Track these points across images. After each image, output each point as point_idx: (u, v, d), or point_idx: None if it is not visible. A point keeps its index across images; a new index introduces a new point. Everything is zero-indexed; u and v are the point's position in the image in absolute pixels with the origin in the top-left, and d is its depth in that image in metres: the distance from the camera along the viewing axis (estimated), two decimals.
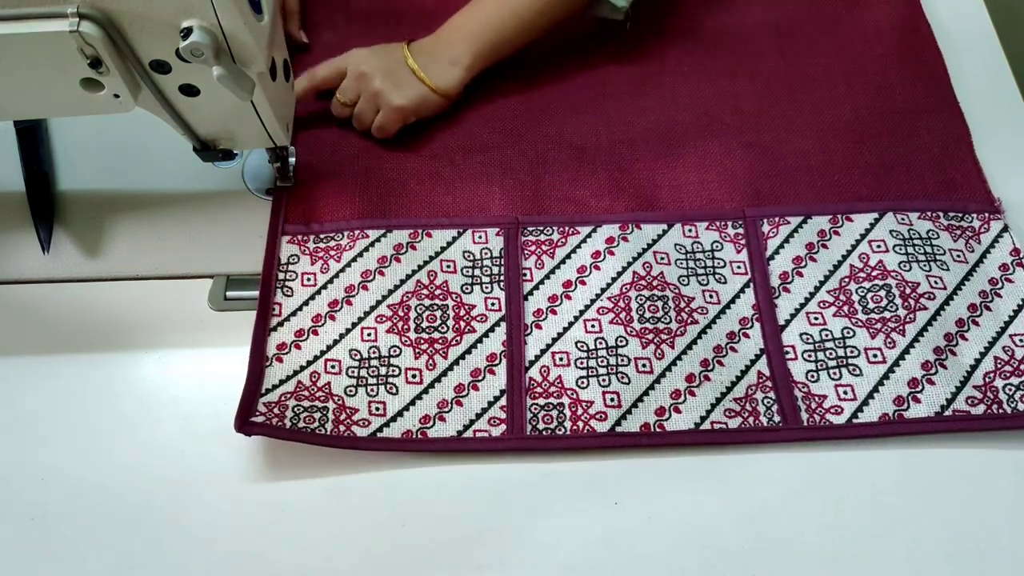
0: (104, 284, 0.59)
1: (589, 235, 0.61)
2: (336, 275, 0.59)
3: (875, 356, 0.55)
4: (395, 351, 0.56)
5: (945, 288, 0.57)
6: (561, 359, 0.55)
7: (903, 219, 0.60)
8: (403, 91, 0.64)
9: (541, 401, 0.54)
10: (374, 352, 0.55)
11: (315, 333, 0.56)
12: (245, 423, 0.52)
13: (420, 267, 0.59)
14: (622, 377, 0.54)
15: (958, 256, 0.59)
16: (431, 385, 0.55)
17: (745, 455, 0.53)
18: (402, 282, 0.58)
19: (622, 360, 0.55)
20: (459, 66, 0.65)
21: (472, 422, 0.54)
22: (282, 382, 0.54)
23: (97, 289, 0.59)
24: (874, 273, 0.58)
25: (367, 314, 0.57)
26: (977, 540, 0.50)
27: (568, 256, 0.60)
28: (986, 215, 0.61)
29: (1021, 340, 0.55)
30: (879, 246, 0.59)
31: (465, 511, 0.51)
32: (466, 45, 0.65)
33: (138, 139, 0.66)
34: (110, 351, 0.57)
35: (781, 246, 0.60)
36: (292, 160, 0.63)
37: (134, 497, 0.52)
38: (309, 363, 0.55)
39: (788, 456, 0.53)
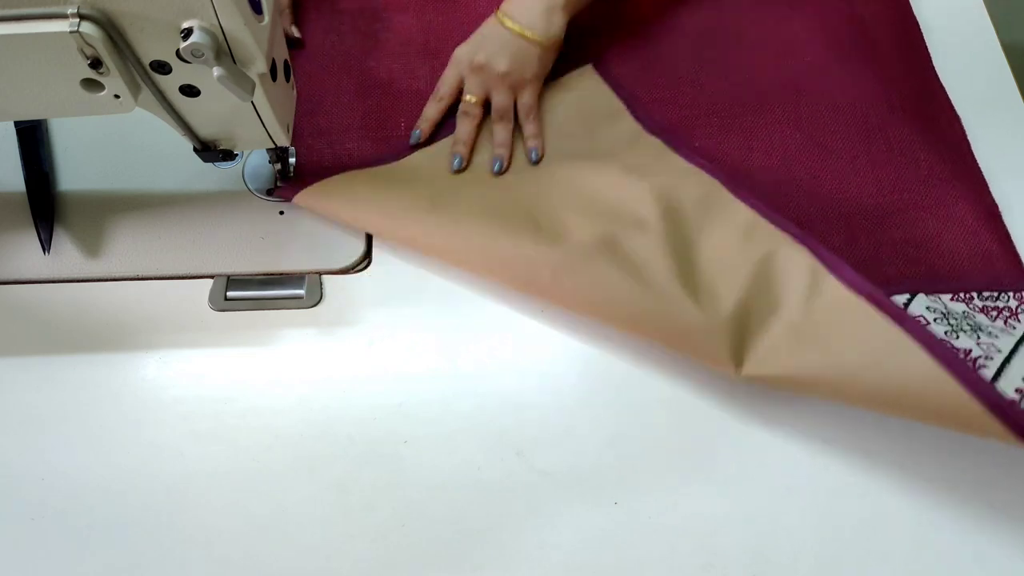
0: (104, 284, 0.59)
1: None
2: None
3: None
4: None
5: (1001, 351, 0.53)
6: None
7: (934, 300, 0.57)
8: (522, 59, 0.65)
9: None
10: None
11: None
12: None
13: None
14: None
15: (1003, 329, 0.55)
16: None
17: (745, 455, 0.53)
18: None
19: None
20: (557, 9, 0.65)
21: None
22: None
23: (97, 289, 0.59)
24: None
25: None
26: (978, 542, 0.50)
27: None
28: (1022, 294, 0.58)
29: None
30: (921, 320, 0.55)
31: (464, 511, 0.51)
32: None
33: (138, 139, 0.66)
34: (110, 351, 0.57)
35: None
36: (292, 160, 0.63)
37: (134, 497, 0.52)
38: None
39: (788, 455, 0.53)
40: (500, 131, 0.66)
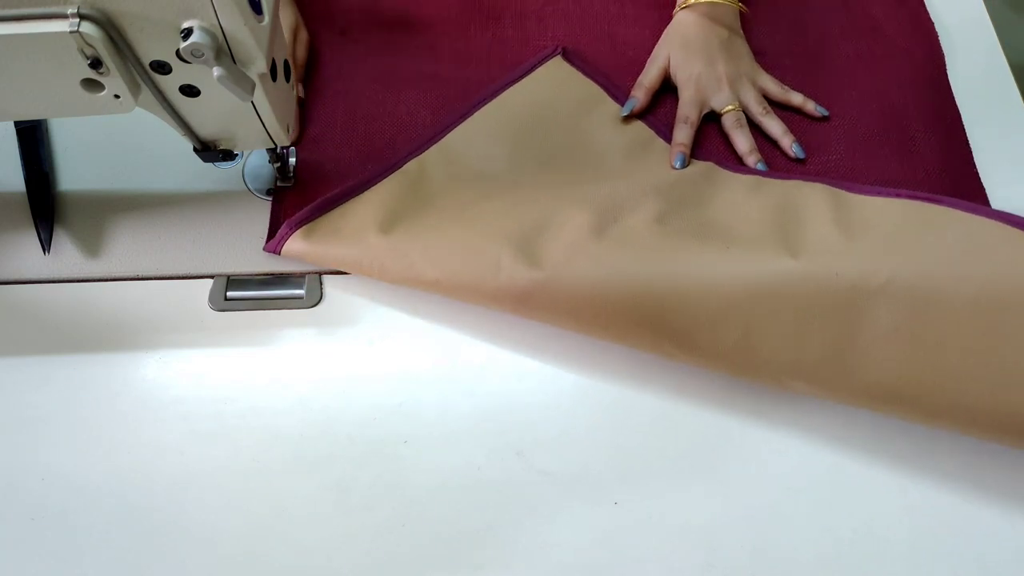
0: (104, 284, 0.59)
1: None
2: None
3: None
4: None
5: None
6: None
7: None
8: (744, 48, 0.68)
9: None
10: None
11: None
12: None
13: None
14: None
15: None
16: None
17: (745, 455, 0.53)
18: None
19: None
20: None
21: None
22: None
23: (97, 289, 0.59)
24: None
25: None
26: (978, 545, 0.50)
27: None
28: None
29: None
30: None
31: (465, 511, 0.51)
32: None
33: (138, 139, 0.66)
34: (110, 351, 0.57)
35: None
36: (292, 160, 0.63)
37: (134, 497, 0.52)
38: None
39: (788, 455, 0.53)
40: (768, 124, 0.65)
